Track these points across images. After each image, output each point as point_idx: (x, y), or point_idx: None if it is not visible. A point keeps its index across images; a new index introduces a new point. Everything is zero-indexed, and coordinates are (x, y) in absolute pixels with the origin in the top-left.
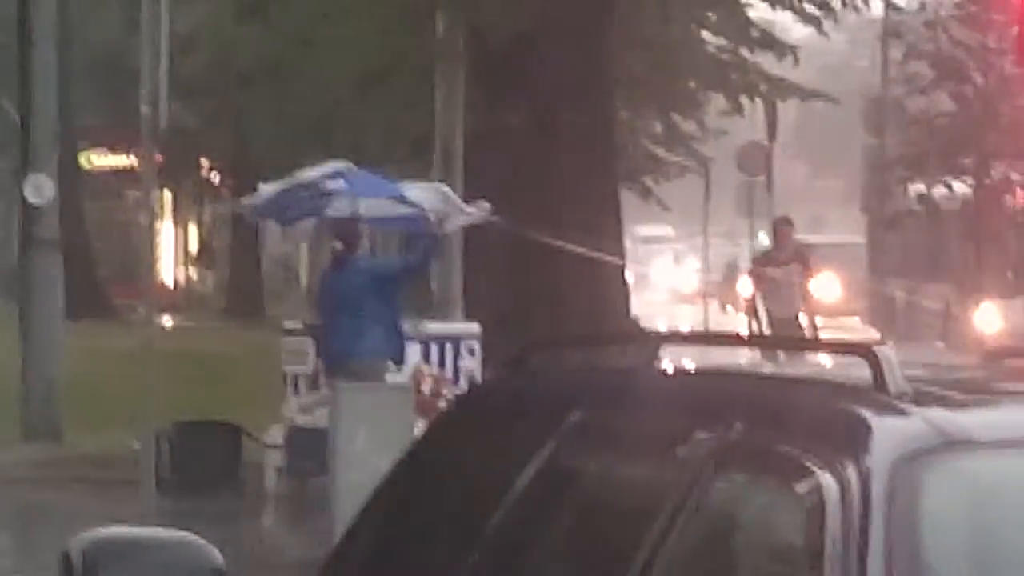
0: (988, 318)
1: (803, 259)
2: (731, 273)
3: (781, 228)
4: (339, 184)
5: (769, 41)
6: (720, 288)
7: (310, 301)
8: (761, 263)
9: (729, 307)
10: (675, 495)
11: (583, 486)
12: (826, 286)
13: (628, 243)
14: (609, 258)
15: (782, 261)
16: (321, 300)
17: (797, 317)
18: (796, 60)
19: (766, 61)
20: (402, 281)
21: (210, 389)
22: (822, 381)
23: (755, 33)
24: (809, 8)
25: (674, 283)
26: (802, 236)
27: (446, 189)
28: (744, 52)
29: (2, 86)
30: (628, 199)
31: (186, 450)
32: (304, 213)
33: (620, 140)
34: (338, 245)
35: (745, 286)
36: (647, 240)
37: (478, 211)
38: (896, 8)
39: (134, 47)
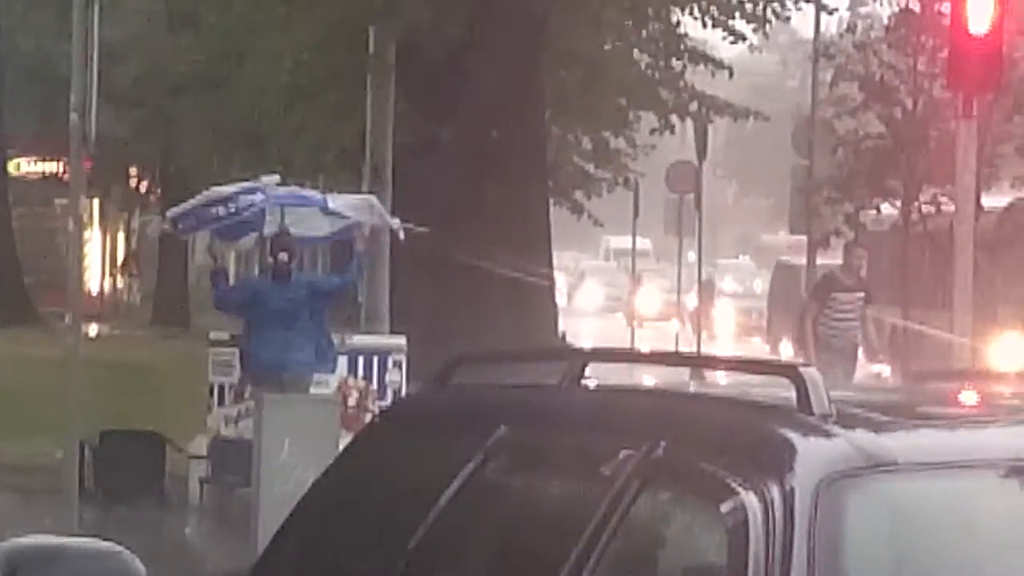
0: (1013, 351)
1: (867, 287)
2: (708, 294)
3: (854, 252)
4: (257, 197)
5: (701, 56)
6: (696, 311)
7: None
8: (827, 288)
9: (705, 332)
10: (600, 512)
11: (508, 501)
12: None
13: (601, 256)
14: (532, 277)
15: (849, 287)
16: (253, 310)
17: (855, 348)
18: (731, 74)
19: (697, 80)
20: (338, 298)
21: (135, 399)
22: (747, 401)
23: (686, 49)
24: (739, 26)
25: (638, 303)
26: (787, 257)
27: (374, 200)
28: (675, 70)
29: None
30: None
31: (110, 459)
32: (224, 228)
33: (550, 156)
34: (283, 256)
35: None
36: (621, 254)
37: (402, 227)
38: (829, 11)
39: (65, 55)
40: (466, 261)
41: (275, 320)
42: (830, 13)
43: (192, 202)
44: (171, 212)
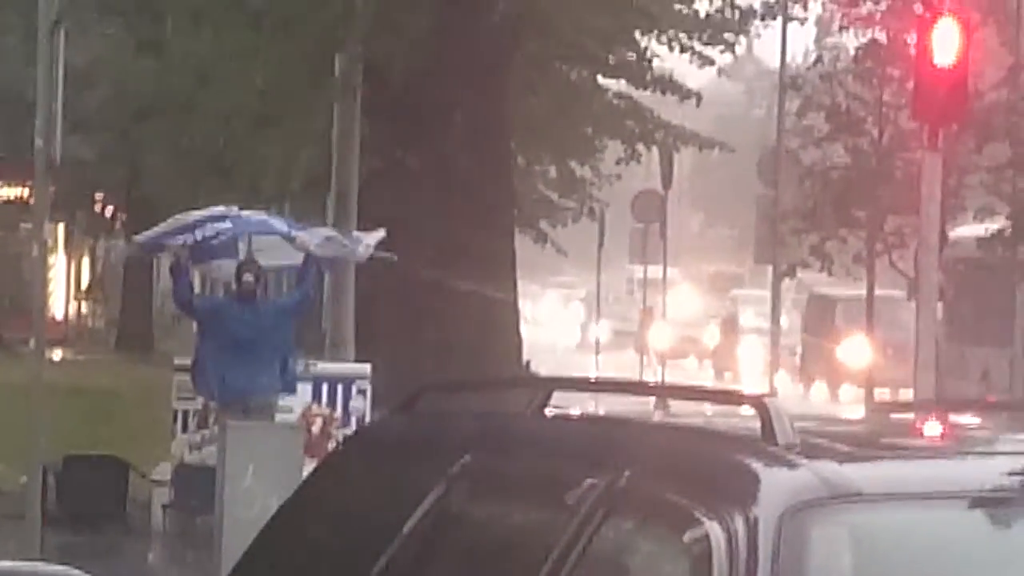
0: None
1: None
2: (731, 330)
3: None
4: (226, 225)
5: (669, 84)
6: (719, 349)
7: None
8: None
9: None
10: (563, 541)
11: (472, 530)
12: (858, 351)
13: (624, 287)
14: (496, 300)
15: None
16: (218, 333)
17: None
18: (698, 102)
19: (663, 110)
20: (300, 315)
21: (99, 424)
22: (712, 431)
23: (653, 78)
24: (706, 51)
25: (650, 338)
26: (826, 289)
27: (332, 233)
28: (642, 100)
29: None
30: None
31: (73, 485)
32: (194, 252)
33: (516, 185)
34: (248, 277)
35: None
36: (649, 285)
37: (368, 244)
38: (801, 21)
39: (30, 80)
40: (431, 288)
41: (243, 347)
42: (802, 23)
43: (159, 229)
44: (138, 238)
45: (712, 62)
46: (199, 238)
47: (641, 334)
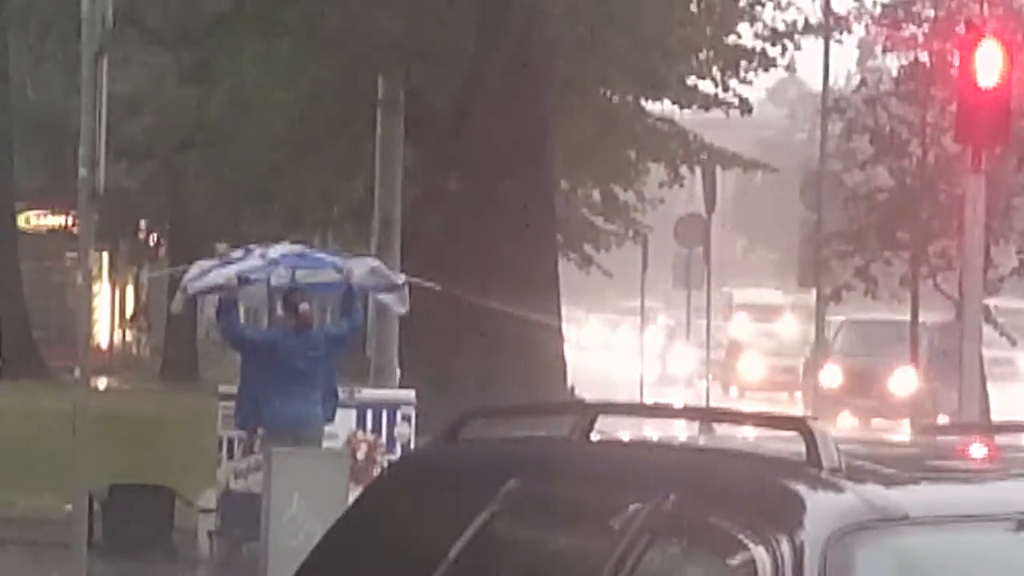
0: None
1: None
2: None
3: None
4: (260, 262)
5: (713, 101)
6: (808, 380)
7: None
8: None
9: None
10: (609, 566)
11: (517, 555)
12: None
13: (719, 313)
14: (541, 326)
15: None
16: (272, 364)
17: None
18: (748, 111)
19: (706, 132)
20: (350, 341)
21: (144, 452)
22: (757, 454)
23: (697, 99)
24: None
25: (740, 369)
26: (882, 314)
27: (378, 263)
28: (684, 124)
29: None
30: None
31: (119, 513)
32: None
33: (559, 209)
34: (304, 306)
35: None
36: (746, 309)
37: (409, 281)
38: (838, 39)
39: (74, 108)
40: (475, 313)
41: (295, 377)
42: (840, 41)
43: (209, 281)
44: (192, 288)
45: (766, 64)
46: (248, 279)
47: (728, 364)
